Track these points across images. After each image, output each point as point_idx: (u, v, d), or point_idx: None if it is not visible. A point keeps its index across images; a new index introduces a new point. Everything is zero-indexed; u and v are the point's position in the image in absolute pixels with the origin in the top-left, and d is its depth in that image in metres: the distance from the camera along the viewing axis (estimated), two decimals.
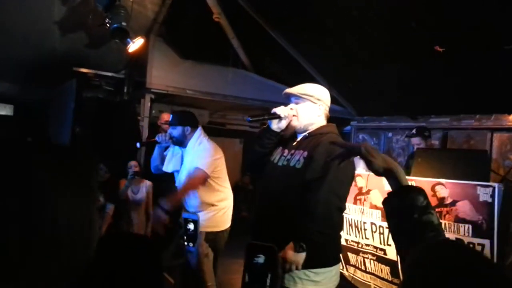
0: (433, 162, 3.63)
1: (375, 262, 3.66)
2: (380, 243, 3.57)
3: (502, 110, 4.80)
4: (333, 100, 6.40)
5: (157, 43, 5.31)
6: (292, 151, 2.28)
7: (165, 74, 5.36)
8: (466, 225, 3.05)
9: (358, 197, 3.80)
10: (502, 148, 4.91)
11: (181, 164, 3.38)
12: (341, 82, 5.92)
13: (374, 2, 4.06)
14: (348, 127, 6.77)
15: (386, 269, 3.54)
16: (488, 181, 3.32)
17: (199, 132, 3.37)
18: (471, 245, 3.02)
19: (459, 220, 3.09)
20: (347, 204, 2.43)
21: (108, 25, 4.11)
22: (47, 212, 0.60)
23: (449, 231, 3.13)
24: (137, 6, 4.45)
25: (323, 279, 2.12)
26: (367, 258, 3.74)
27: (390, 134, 6.30)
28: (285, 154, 2.31)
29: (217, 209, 3.32)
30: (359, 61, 5.10)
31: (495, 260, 2.90)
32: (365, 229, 3.72)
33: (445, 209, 3.17)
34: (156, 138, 3.34)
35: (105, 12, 4.14)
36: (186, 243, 1.24)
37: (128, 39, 4.27)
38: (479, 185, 3.01)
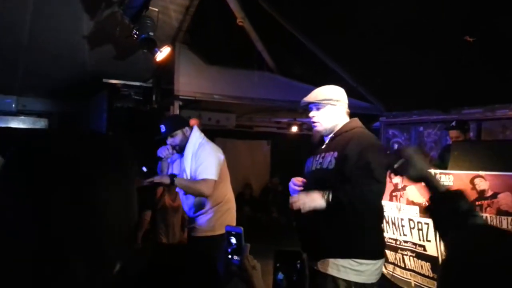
0: (470, 155, 3.55)
1: (415, 259, 3.60)
2: (419, 239, 3.51)
3: None
4: (361, 97, 6.39)
5: (182, 50, 5.39)
6: (323, 154, 2.34)
7: (192, 81, 5.43)
8: (509, 218, 2.97)
9: (393, 194, 3.76)
10: None
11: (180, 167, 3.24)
12: (368, 78, 5.85)
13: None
14: (377, 123, 6.68)
15: (427, 265, 3.48)
16: None
17: (196, 131, 3.21)
18: None
19: (501, 212, 3.01)
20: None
21: (135, 36, 4.20)
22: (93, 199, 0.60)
23: (491, 224, 3.05)
24: (162, 16, 4.52)
25: (366, 270, 2.14)
26: (406, 255, 3.69)
27: (421, 128, 6.19)
28: (317, 159, 2.38)
29: (216, 210, 3.17)
30: (386, 56, 5.03)
31: None
32: (402, 226, 3.67)
33: (485, 202, 3.09)
34: (159, 154, 3.20)
35: (132, 24, 4.23)
36: (230, 257, 1.24)
37: (156, 49, 4.35)
38: None
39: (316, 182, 2.26)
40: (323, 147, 2.40)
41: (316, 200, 2.10)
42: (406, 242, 3.68)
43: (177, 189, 3.31)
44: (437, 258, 3.34)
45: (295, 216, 2.36)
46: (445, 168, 3.56)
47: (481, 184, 3.13)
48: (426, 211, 1.27)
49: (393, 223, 3.77)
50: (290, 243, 7.33)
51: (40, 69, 5.15)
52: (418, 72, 5.01)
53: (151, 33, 4.12)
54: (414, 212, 3.56)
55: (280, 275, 1.21)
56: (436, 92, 5.28)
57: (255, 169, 9.60)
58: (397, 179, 3.69)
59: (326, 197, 2.10)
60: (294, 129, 8.68)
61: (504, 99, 4.93)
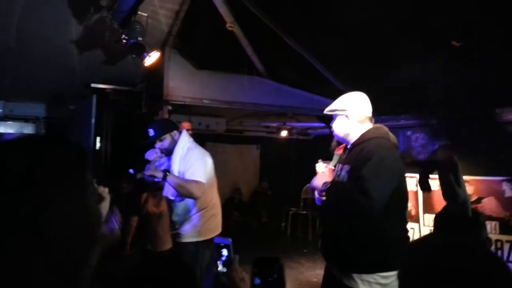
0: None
1: None
2: None
3: None
4: None
5: (172, 55, 5.39)
6: (341, 166, 2.36)
7: (181, 85, 5.44)
8: (493, 222, 3.02)
9: None
10: None
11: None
12: (356, 83, 5.89)
13: (385, 2, 4.06)
14: None
15: None
16: None
17: (184, 135, 3.20)
18: (499, 243, 2.99)
19: (485, 217, 3.06)
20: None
21: (124, 41, 4.19)
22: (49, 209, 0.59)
23: None
24: (151, 21, 4.52)
25: (391, 281, 2.08)
26: None
27: (409, 133, 6.25)
28: (338, 169, 2.40)
29: (201, 216, 3.14)
30: (374, 61, 5.08)
31: None
32: None
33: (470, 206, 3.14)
34: (147, 157, 3.21)
35: (121, 29, 4.22)
36: (219, 268, 1.25)
37: (145, 53, 4.35)
38: (505, 180, 2.98)
39: (335, 194, 2.26)
40: (344, 157, 2.42)
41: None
42: None
43: (164, 193, 3.28)
44: None
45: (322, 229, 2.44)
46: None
47: (467, 189, 3.17)
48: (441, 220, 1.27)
49: None
50: (279, 248, 7.35)
51: (28, 74, 5.12)
52: (405, 78, 5.06)
53: (140, 38, 4.11)
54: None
55: (257, 280, 1.22)
56: (424, 97, 5.35)
57: (245, 174, 9.62)
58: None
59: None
60: (284, 133, 8.72)
61: (493, 104, 5.01)
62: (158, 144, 3.16)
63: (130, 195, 4.24)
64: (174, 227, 3.27)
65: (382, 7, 4.12)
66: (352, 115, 2.34)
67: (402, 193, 2.19)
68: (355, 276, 2.15)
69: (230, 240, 1.27)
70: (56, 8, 4.29)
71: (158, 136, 3.12)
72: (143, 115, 5.66)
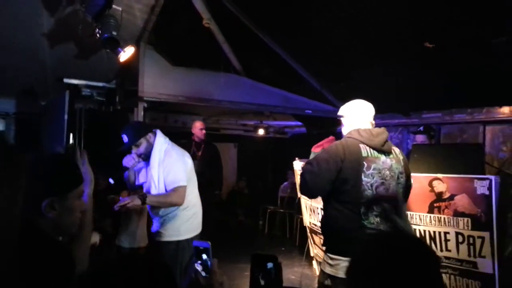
0: (429, 158, 3.67)
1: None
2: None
3: (493, 103, 4.85)
4: (326, 100, 6.48)
5: (147, 51, 5.30)
6: None
7: (157, 82, 5.35)
8: (465, 219, 3.08)
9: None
10: (495, 141, 4.96)
11: (147, 175, 3.16)
12: (333, 82, 5.95)
13: (361, 2, 4.09)
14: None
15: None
16: (483, 174, 3.36)
17: (159, 136, 3.12)
18: (471, 238, 3.05)
19: (458, 214, 3.12)
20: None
21: (98, 35, 4.09)
22: None
23: (448, 225, 3.16)
24: (126, 15, 4.43)
25: (338, 263, 2.40)
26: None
27: None
28: None
29: (182, 215, 3.11)
30: (350, 60, 5.13)
31: (495, 251, 2.92)
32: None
33: (443, 203, 3.20)
34: (125, 164, 3.10)
35: (95, 22, 4.12)
36: (197, 272, 1.22)
37: (119, 48, 4.25)
38: (476, 178, 3.04)
39: None
40: None
41: None
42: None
43: (145, 190, 3.21)
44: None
45: None
46: None
47: (439, 186, 3.23)
48: None
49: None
50: (257, 246, 7.34)
51: None
52: (380, 77, 5.13)
53: (114, 33, 4.01)
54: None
55: (258, 277, 1.22)
56: (398, 96, 5.43)
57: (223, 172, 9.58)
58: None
59: None
60: (261, 132, 8.72)
61: (461, 104, 5.13)
62: (134, 150, 3.08)
63: (105, 192, 4.15)
64: (155, 226, 3.22)
65: (359, 7, 4.15)
66: (348, 120, 2.71)
67: (340, 185, 2.43)
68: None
69: (209, 243, 1.24)
70: (26, 0, 4.15)
71: (133, 142, 3.04)
72: (117, 111, 5.55)
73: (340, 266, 2.34)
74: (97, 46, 4.49)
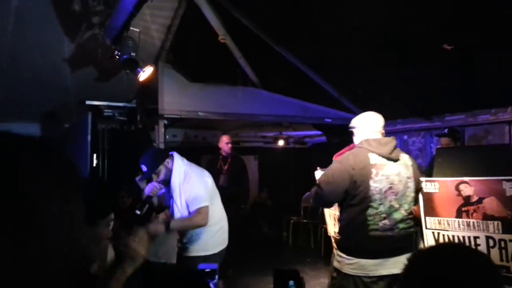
0: (454, 161, 3.58)
1: None
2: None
3: None
4: (345, 108, 6.44)
5: (165, 69, 5.40)
6: None
7: (176, 99, 5.43)
8: (495, 222, 2.99)
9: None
10: None
11: (170, 197, 3.20)
12: (350, 89, 5.92)
13: (375, 6, 4.08)
14: None
15: None
16: None
17: (177, 159, 3.14)
18: (502, 242, 2.96)
19: (487, 217, 3.03)
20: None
21: (117, 57, 4.20)
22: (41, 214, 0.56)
23: (478, 230, 3.08)
24: (144, 36, 4.53)
25: (343, 260, 2.76)
26: None
27: (405, 137, 6.25)
28: None
29: (208, 231, 3.13)
30: (367, 66, 5.10)
31: None
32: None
33: (471, 207, 3.11)
34: (147, 193, 3.13)
35: (114, 45, 4.23)
36: None
37: (138, 69, 4.35)
38: (504, 179, 2.96)
39: None
40: None
41: None
42: None
43: (167, 205, 3.26)
44: None
45: None
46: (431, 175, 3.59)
47: (466, 190, 3.15)
48: None
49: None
50: (282, 258, 7.27)
51: (21, 94, 5.10)
52: (399, 82, 5.08)
53: (133, 54, 4.12)
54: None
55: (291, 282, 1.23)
56: (419, 100, 5.36)
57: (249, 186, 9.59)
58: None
59: None
60: (281, 143, 8.71)
61: (484, 104, 5.03)
62: (154, 179, 3.12)
63: (131, 208, 4.19)
64: (181, 241, 3.25)
65: (372, 13, 4.14)
66: (360, 131, 2.91)
67: (354, 188, 2.66)
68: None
69: (216, 264, 1.25)
70: (47, 27, 4.29)
71: (153, 171, 3.08)
72: (139, 130, 5.64)
73: (345, 263, 2.70)
74: (116, 67, 4.61)
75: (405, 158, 2.86)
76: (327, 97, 6.12)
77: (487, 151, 3.98)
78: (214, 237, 3.20)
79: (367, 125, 2.91)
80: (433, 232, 3.32)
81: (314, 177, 2.94)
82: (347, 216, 2.73)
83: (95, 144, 5.15)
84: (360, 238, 2.65)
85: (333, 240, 4.57)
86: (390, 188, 2.67)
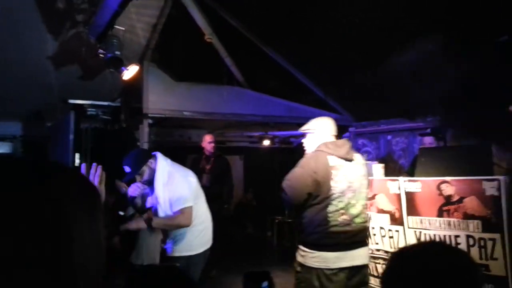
0: (436, 161, 3.65)
1: None
2: (391, 247, 3.55)
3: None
4: (330, 108, 6.49)
5: (150, 68, 5.36)
6: None
7: (161, 98, 5.40)
8: (475, 221, 3.06)
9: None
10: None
11: (154, 197, 3.17)
12: (336, 90, 5.97)
13: (362, 8, 4.12)
14: (347, 133, 6.80)
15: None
16: (492, 175, 3.33)
17: (161, 159, 3.12)
18: (482, 241, 3.03)
19: (467, 216, 3.10)
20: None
21: (102, 55, 4.15)
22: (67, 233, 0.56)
23: (458, 229, 3.14)
24: (129, 35, 4.51)
25: (307, 254, 2.91)
26: (379, 263, 3.73)
27: (389, 137, 6.32)
28: None
29: (193, 231, 3.12)
30: (352, 67, 5.15)
31: (507, 253, 2.90)
32: (374, 235, 3.72)
33: (452, 206, 3.18)
34: (131, 194, 3.13)
35: (98, 43, 4.18)
36: None
37: (123, 67, 4.31)
38: (484, 179, 3.02)
39: None
40: None
41: None
42: (378, 250, 3.72)
43: (151, 206, 3.24)
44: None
45: None
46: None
47: (448, 190, 3.21)
48: None
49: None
50: (266, 258, 7.29)
51: (3, 92, 5.01)
52: (383, 83, 5.14)
53: (117, 52, 4.08)
54: (384, 220, 3.58)
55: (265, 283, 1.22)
56: (402, 101, 5.43)
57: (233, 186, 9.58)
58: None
59: None
60: (266, 142, 8.72)
61: (467, 104, 5.11)
62: (138, 179, 3.10)
63: (114, 209, 4.16)
64: (165, 241, 3.24)
65: (359, 14, 4.19)
66: (319, 134, 3.04)
67: (317, 189, 2.83)
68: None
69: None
70: (31, 25, 4.23)
71: (136, 172, 3.05)
72: (123, 129, 5.59)
73: (308, 257, 2.88)
74: (101, 66, 4.57)
75: (358, 158, 3.08)
76: (313, 98, 6.16)
77: (469, 151, 4.06)
78: (198, 237, 3.18)
79: (324, 129, 3.07)
80: (415, 231, 3.38)
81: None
82: (309, 214, 2.91)
83: (78, 144, 5.07)
84: (322, 233, 2.85)
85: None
86: (349, 186, 2.89)
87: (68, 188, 0.59)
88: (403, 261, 1.07)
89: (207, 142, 5.77)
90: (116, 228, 4.17)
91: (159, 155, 3.16)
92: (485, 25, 3.72)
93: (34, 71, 4.83)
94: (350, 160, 3.00)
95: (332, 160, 2.93)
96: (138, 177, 3.10)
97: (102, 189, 1.59)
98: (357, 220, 2.94)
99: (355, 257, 2.91)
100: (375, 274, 3.77)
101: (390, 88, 5.23)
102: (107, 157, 5.18)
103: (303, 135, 3.19)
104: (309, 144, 3.11)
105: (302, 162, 2.98)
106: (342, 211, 2.87)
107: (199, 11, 4.97)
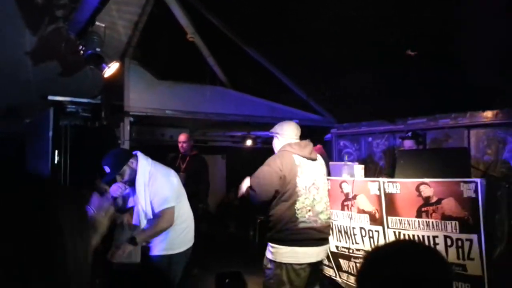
0: (415, 163, 3.70)
1: None
2: (371, 247, 3.59)
3: (476, 107, 4.93)
4: (312, 109, 6.52)
5: (132, 66, 5.29)
6: None
7: (142, 97, 5.34)
8: (453, 222, 3.11)
9: (345, 203, 3.83)
10: (479, 144, 5.03)
11: (135, 197, 3.15)
12: (318, 91, 6.00)
13: (343, 11, 4.15)
14: (329, 135, 6.85)
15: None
16: (469, 177, 3.39)
17: (141, 159, 3.09)
18: (459, 241, 3.08)
19: (445, 217, 3.15)
20: (334, 211, 3.76)
21: (82, 52, 4.08)
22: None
23: (437, 229, 3.19)
24: (110, 31, 4.43)
25: (277, 250, 3.05)
26: (359, 263, 3.75)
27: (370, 139, 6.39)
28: None
29: (175, 229, 3.09)
30: (334, 69, 5.19)
31: (483, 253, 2.95)
32: (354, 234, 3.75)
33: (431, 207, 3.22)
34: (113, 194, 3.08)
35: (78, 39, 4.11)
36: None
37: (104, 64, 4.25)
38: (462, 181, 3.07)
39: None
40: None
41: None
42: (358, 250, 3.75)
43: (132, 206, 3.20)
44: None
45: None
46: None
47: (426, 191, 3.26)
48: None
49: (346, 232, 3.84)
50: (247, 257, 7.29)
51: None
52: (365, 85, 5.19)
53: (98, 49, 4.01)
54: (364, 221, 3.63)
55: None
56: (383, 103, 5.49)
57: (211, 184, 9.53)
58: (347, 189, 3.79)
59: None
60: (249, 142, 8.72)
61: (445, 109, 5.21)
62: (119, 179, 3.05)
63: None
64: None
65: (339, 17, 4.21)
66: (283, 138, 3.27)
67: (283, 186, 3.02)
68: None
69: None
70: (8, 19, 4.12)
71: (116, 172, 3.01)
72: (103, 127, 5.51)
73: (279, 253, 3.01)
74: (81, 62, 4.48)
75: (320, 158, 3.34)
76: (295, 98, 6.18)
77: (447, 154, 4.14)
78: (180, 235, 3.16)
79: (289, 132, 3.30)
80: (394, 232, 3.42)
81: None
82: (278, 211, 3.06)
83: (57, 141, 4.98)
84: (292, 229, 3.00)
85: (330, 256, 4.61)
86: (313, 184, 3.11)
87: (63, 206, 0.65)
88: (376, 261, 1.09)
89: (180, 141, 5.75)
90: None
91: (140, 155, 3.12)
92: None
93: (11, 67, 4.71)
94: (314, 160, 3.23)
95: (297, 159, 3.12)
96: (118, 177, 3.06)
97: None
98: (322, 216, 3.13)
99: (319, 253, 3.14)
100: (355, 273, 3.80)
101: (372, 90, 5.28)
102: (87, 155, 5.11)
103: (273, 138, 3.41)
104: (276, 145, 3.35)
105: (269, 160, 3.16)
106: (308, 207, 3.06)
107: (181, 10, 4.93)
